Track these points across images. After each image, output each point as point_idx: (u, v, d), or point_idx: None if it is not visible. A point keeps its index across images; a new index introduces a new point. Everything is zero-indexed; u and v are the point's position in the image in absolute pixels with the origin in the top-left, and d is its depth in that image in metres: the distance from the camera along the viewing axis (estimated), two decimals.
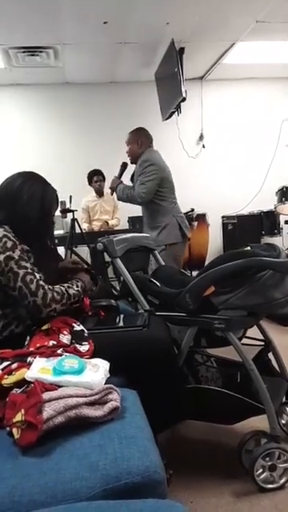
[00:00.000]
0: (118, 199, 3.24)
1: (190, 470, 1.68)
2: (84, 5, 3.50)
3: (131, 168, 3.19)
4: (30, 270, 1.41)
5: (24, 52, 4.29)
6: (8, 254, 1.38)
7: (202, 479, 1.64)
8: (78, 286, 1.57)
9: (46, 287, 1.42)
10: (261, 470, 1.56)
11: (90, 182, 4.87)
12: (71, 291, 1.51)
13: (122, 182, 3.11)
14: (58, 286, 1.48)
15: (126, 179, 3.21)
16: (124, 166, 3.13)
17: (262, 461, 1.55)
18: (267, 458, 1.56)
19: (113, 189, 3.16)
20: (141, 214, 3.37)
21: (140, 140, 3.09)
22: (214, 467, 1.72)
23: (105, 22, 3.85)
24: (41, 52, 4.32)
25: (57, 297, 1.44)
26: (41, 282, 1.41)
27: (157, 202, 3.02)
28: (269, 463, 1.56)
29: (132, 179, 3.17)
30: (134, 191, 2.99)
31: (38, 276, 1.42)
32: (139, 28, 4.01)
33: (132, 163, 3.14)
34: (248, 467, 1.58)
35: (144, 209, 3.16)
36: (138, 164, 3.04)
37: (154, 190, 2.97)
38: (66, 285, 1.53)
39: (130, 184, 3.17)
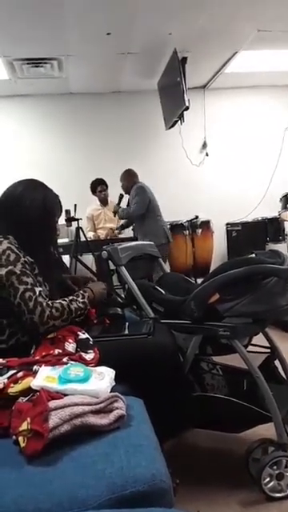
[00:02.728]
0: (120, 218, 4.57)
1: (196, 478, 1.67)
2: (87, 17, 3.55)
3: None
4: (29, 286, 1.38)
5: (28, 63, 4.34)
6: (10, 268, 1.37)
7: (208, 488, 1.63)
8: (83, 297, 1.52)
9: (45, 304, 1.39)
10: (268, 479, 1.55)
11: (94, 192, 4.89)
12: (73, 306, 1.47)
13: (120, 207, 4.40)
14: (58, 302, 1.44)
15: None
16: (121, 197, 4.43)
17: (269, 469, 1.54)
18: (275, 467, 1.55)
19: (115, 212, 4.46)
20: None
21: (129, 178, 4.41)
22: (221, 476, 1.70)
23: (108, 33, 3.89)
24: (45, 63, 4.37)
25: (55, 313, 1.40)
26: (39, 299, 1.38)
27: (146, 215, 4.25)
28: (276, 472, 1.55)
29: (128, 205, 4.43)
30: (130, 210, 4.27)
31: (37, 291, 1.39)
32: (142, 38, 4.05)
33: (126, 193, 4.43)
34: (255, 476, 1.56)
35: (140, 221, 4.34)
36: (131, 193, 4.33)
37: (144, 206, 4.19)
38: (70, 298, 1.49)
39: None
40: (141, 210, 4.19)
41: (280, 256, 1.70)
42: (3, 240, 1.42)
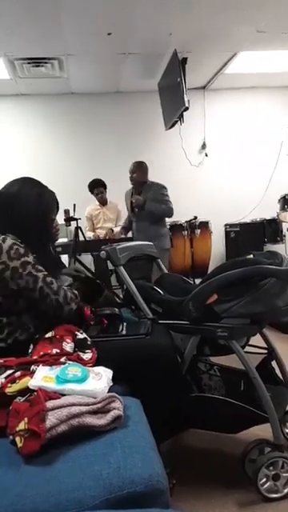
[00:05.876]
0: (147, 209, 4.09)
1: (193, 479, 1.67)
2: (88, 16, 3.55)
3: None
4: (47, 273, 1.45)
5: (29, 63, 4.34)
6: (24, 259, 1.41)
7: (205, 488, 1.63)
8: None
9: (64, 287, 1.49)
10: (264, 480, 1.55)
11: (92, 193, 4.89)
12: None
13: (145, 200, 4.10)
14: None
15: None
16: (144, 202, 4.10)
17: (265, 470, 1.55)
18: (271, 467, 1.55)
19: (140, 205, 4.10)
20: None
21: (145, 171, 4.21)
22: (218, 476, 1.71)
23: (109, 34, 3.90)
24: (46, 63, 4.37)
25: (73, 296, 1.50)
26: (59, 283, 1.48)
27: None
28: (272, 472, 1.55)
29: (132, 204, 4.24)
30: (166, 207, 4.07)
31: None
32: (142, 39, 4.05)
33: (134, 184, 4.20)
34: (252, 476, 1.57)
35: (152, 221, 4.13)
36: (152, 188, 4.11)
37: None
38: None
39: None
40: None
41: (278, 257, 1.70)
42: (6, 237, 1.43)
